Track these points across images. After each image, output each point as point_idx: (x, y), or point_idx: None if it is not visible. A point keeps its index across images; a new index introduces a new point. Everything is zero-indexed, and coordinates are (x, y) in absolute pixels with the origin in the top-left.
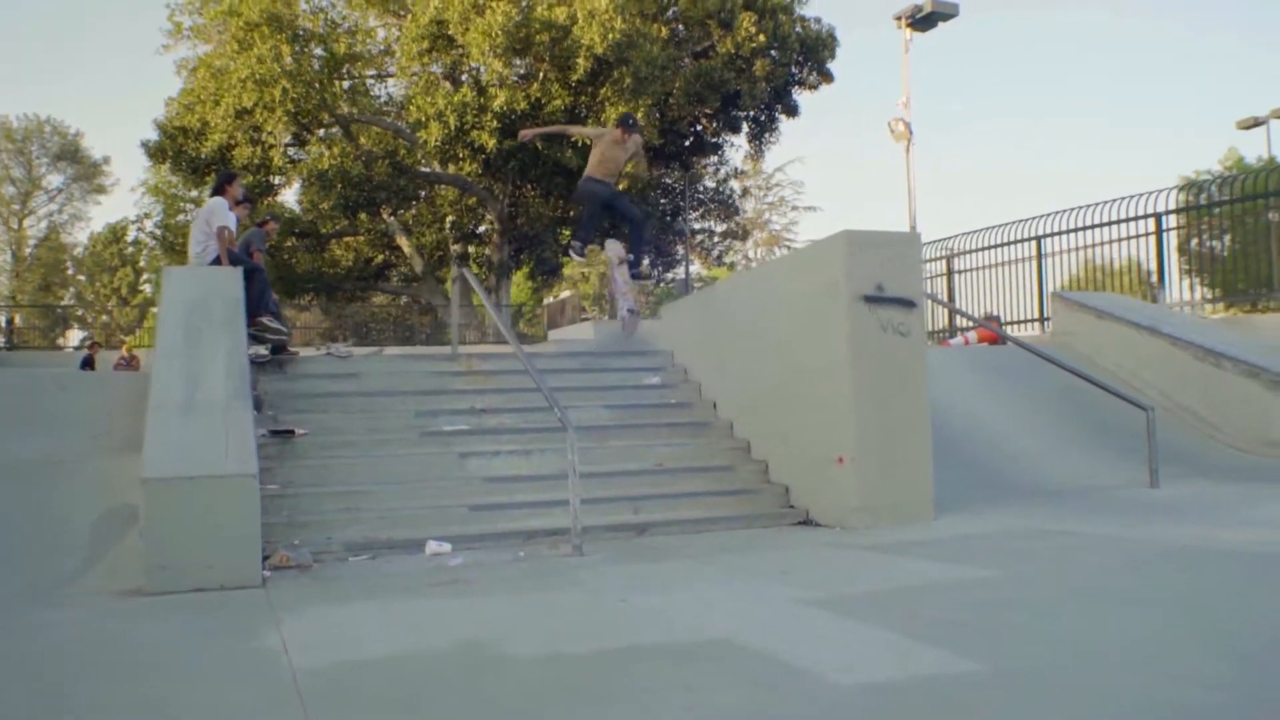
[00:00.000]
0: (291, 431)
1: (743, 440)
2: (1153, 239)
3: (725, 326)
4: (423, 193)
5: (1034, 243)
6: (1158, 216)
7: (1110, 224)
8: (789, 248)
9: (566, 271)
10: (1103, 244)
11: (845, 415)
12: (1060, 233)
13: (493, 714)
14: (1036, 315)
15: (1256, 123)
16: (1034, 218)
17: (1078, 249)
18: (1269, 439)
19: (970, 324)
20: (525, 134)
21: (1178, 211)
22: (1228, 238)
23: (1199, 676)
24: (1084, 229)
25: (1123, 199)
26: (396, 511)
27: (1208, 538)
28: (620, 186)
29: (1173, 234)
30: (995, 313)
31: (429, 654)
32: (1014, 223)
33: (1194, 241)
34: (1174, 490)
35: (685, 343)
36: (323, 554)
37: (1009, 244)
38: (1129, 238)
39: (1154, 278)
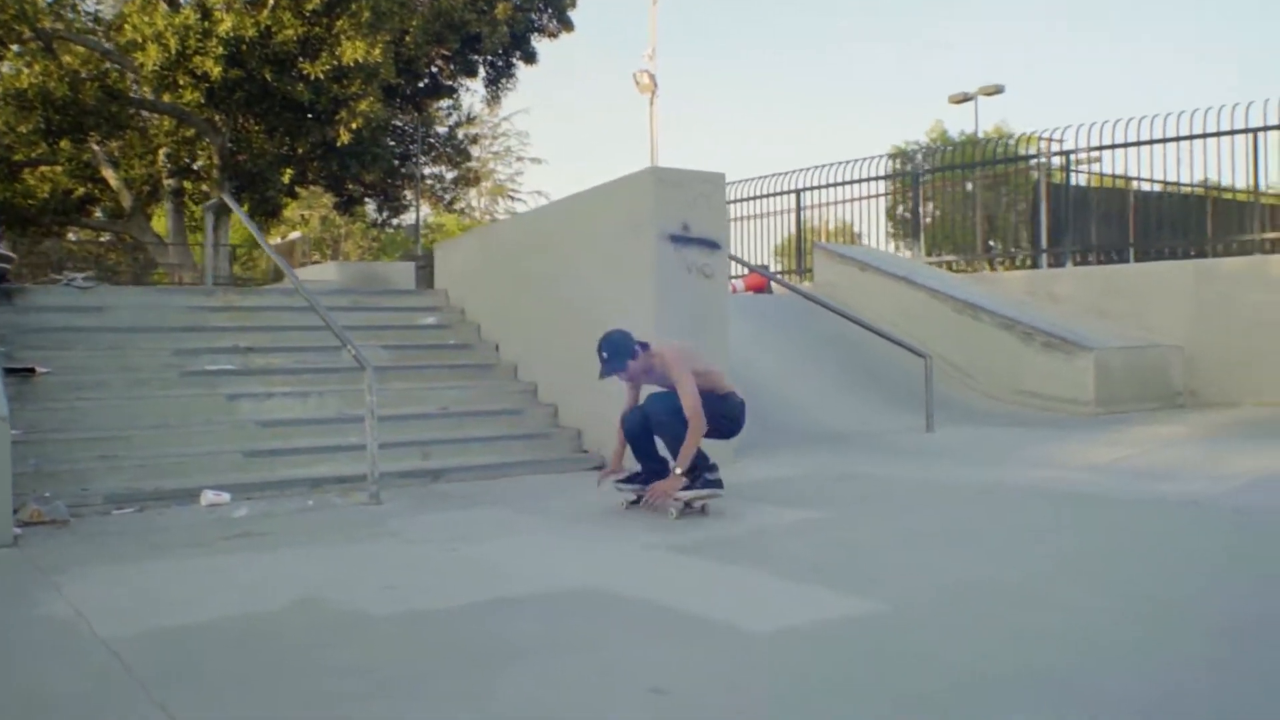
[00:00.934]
0: (31, 370)
1: (530, 383)
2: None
3: (513, 265)
4: (136, 122)
5: (794, 195)
6: (914, 176)
7: (864, 181)
8: (513, 199)
9: (287, 214)
10: (843, 202)
11: None
12: (817, 187)
13: (374, 683)
14: (795, 267)
15: (966, 98)
16: (794, 171)
17: (832, 204)
18: (1021, 388)
19: (744, 271)
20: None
21: (891, 177)
22: (931, 205)
23: (1091, 606)
24: (838, 184)
25: (869, 159)
26: (161, 459)
27: (1001, 477)
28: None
29: (880, 201)
30: (763, 263)
31: (267, 616)
32: (773, 175)
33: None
34: (947, 434)
35: (463, 282)
36: (80, 507)
37: (769, 195)
38: (867, 198)
39: (864, 239)
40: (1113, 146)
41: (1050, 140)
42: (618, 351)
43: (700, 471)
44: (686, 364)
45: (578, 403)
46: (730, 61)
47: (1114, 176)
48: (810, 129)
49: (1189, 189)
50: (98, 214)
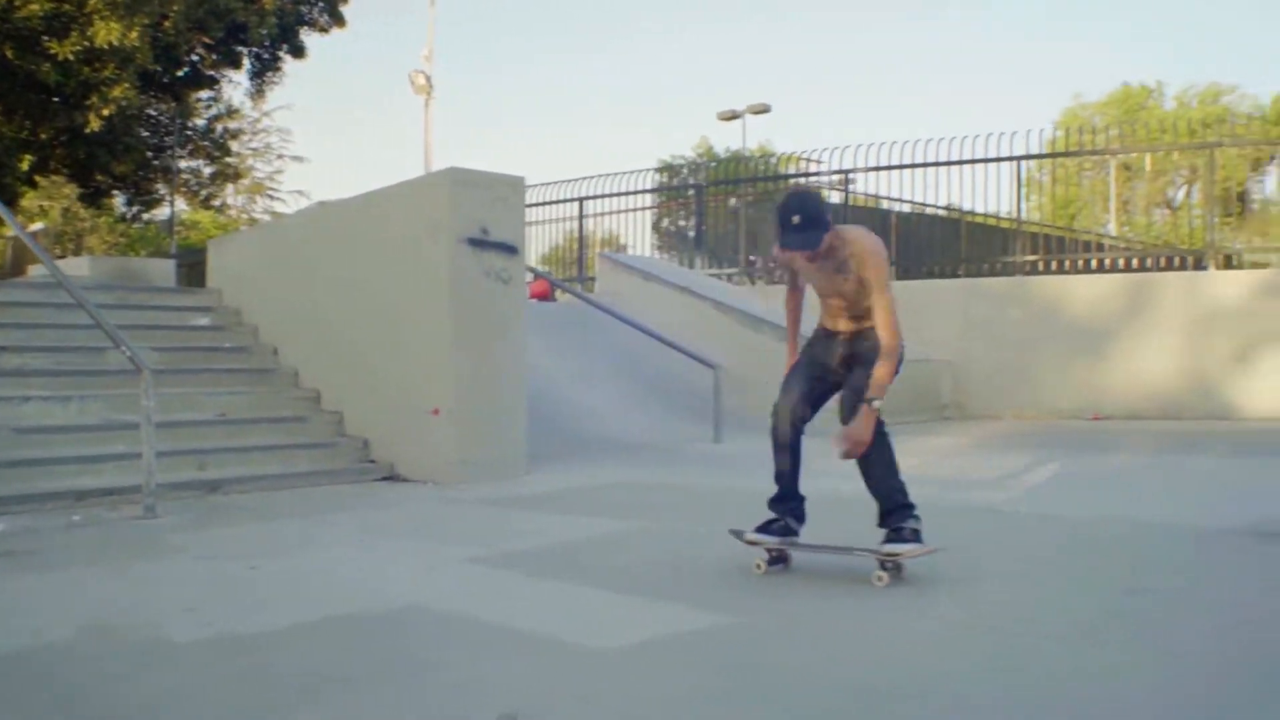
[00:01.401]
0: None
1: (312, 390)
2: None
3: (296, 266)
4: None
5: (578, 203)
6: (698, 188)
7: (647, 192)
8: (272, 197)
9: (25, 204)
10: (627, 211)
11: (443, 364)
12: (601, 196)
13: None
14: (576, 275)
15: (734, 115)
16: (579, 179)
17: (608, 214)
18: None
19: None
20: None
21: (673, 189)
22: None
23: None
24: (623, 194)
25: (634, 172)
26: None
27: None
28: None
29: (648, 213)
30: (544, 269)
31: (59, 646)
32: (558, 182)
33: (665, 221)
34: (736, 445)
35: (239, 283)
36: None
37: (554, 203)
38: (645, 209)
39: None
40: (882, 169)
41: (814, 160)
42: (816, 217)
43: (906, 513)
44: (885, 267)
45: (364, 411)
46: (503, 66)
47: (877, 197)
48: (582, 141)
49: (951, 212)
50: None
